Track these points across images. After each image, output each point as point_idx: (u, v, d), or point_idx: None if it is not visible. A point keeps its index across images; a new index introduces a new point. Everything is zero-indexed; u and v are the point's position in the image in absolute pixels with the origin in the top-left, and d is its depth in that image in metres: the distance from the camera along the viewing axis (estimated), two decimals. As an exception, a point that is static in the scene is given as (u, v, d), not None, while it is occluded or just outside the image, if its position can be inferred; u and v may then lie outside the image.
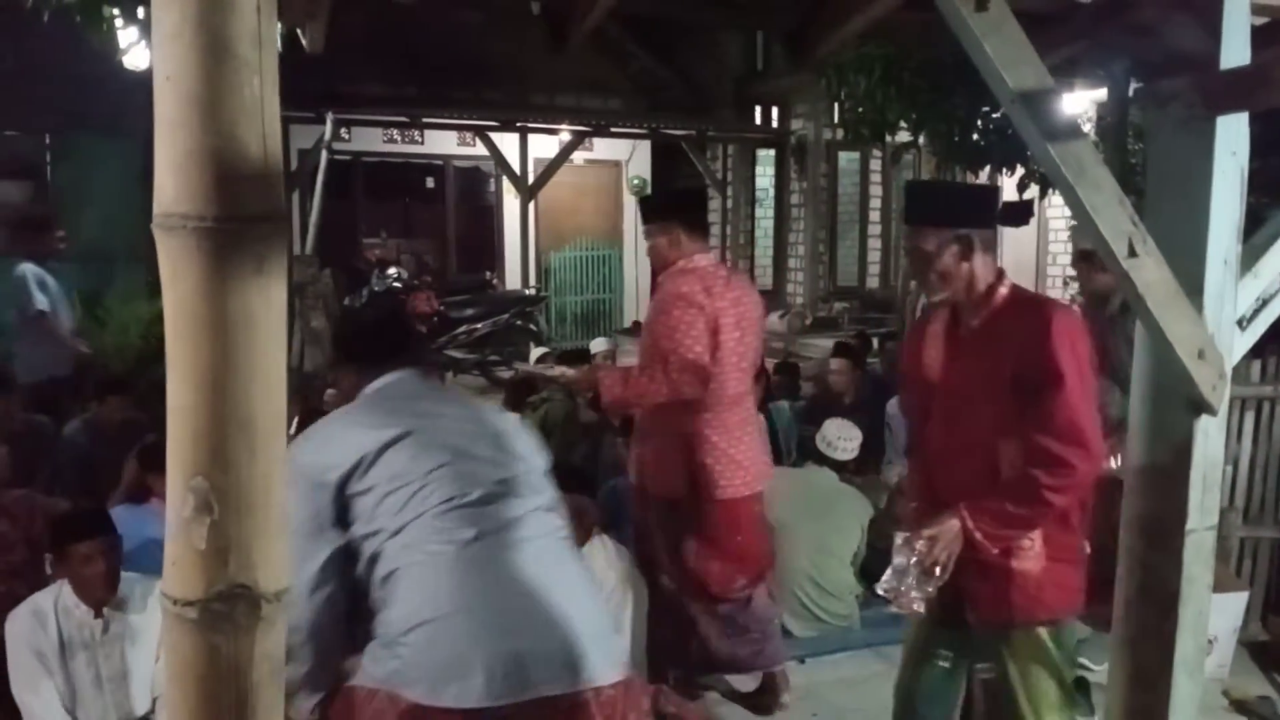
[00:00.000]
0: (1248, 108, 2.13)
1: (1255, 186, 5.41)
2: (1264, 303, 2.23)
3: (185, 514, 1.33)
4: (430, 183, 12.31)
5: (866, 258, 12.28)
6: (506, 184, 11.35)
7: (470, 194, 12.53)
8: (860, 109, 7.98)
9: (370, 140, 11.23)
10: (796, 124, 11.68)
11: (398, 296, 9.18)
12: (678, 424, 3.30)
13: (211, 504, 1.32)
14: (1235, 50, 2.14)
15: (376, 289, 9.48)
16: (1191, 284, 2.09)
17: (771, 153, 12.10)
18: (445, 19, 8.99)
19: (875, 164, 11.94)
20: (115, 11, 4.89)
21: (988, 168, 8.00)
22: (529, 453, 2.18)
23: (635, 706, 1.93)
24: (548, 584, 1.92)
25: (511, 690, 1.78)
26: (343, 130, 9.97)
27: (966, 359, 2.39)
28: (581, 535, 3.18)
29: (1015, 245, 12.95)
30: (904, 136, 8.82)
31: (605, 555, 3.44)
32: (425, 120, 10.28)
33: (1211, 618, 3.70)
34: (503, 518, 1.97)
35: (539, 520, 2.04)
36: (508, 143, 10.60)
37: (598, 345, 7.28)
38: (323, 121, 8.21)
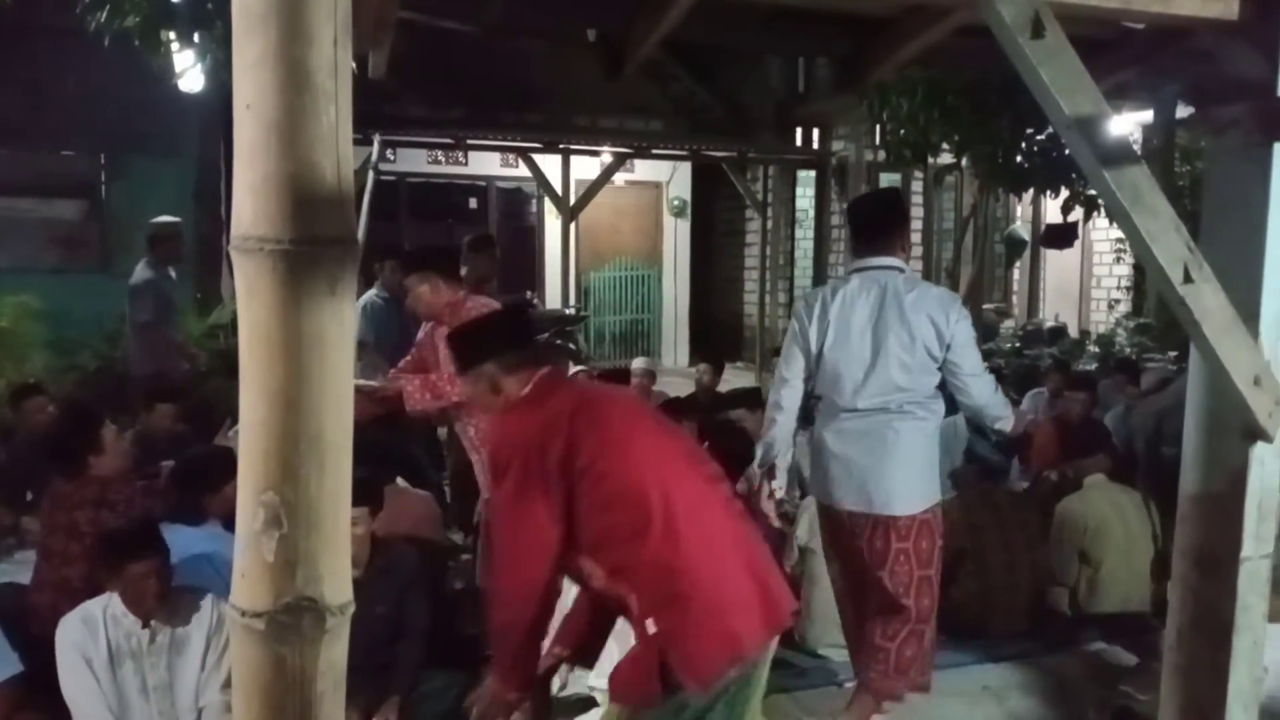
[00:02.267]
0: (1307, 134, 2.12)
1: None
2: (1322, 330, 2.21)
3: (255, 527, 1.37)
4: (473, 203, 12.43)
5: (907, 279, 12.21)
6: (548, 205, 11.44)
7: (512, 214, 12.64)
8: (903, 130, 7.99)
9: (415, 161, 11.37)
10: (838, 145, 11.68)
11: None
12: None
13: (281, 518, 1.36)
14: (1293, 77, 2.14)
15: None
16: (1248, 311, 2.08)
17: (812, 174, 12.11)
18: (493, 44, 9.11)
19: (916, 185, 11.91)
20: (172, 35, 5.04)
21: (1031, 190, 7.95)
22: None
23: None
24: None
25: None
26: (388, 151, 10.11)
27: None
28: None
29: (1059, 269, 12.88)
30: (946, 158, 8.81)
31: None
32: (469, 142, 10.40)
33: (1267, 648, 3.66)
34: None
35: None
36: (550, 164, 10.70)
37: (637, 365, 7.30)
38: (370, 143, 8.34)
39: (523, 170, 10.90)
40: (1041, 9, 1.87)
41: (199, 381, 6.13)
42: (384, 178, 9.73)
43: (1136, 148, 8.27)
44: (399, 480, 4.44)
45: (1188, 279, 1.96)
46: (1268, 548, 2.16)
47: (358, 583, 3.43)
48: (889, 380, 3.25)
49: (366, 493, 3.57)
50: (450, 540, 5.00)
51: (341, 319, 1.37)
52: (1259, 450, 2.12)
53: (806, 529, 4.28)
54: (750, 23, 2.47)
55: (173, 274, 6.11)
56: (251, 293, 1.34)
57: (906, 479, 3.28)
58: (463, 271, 4.78)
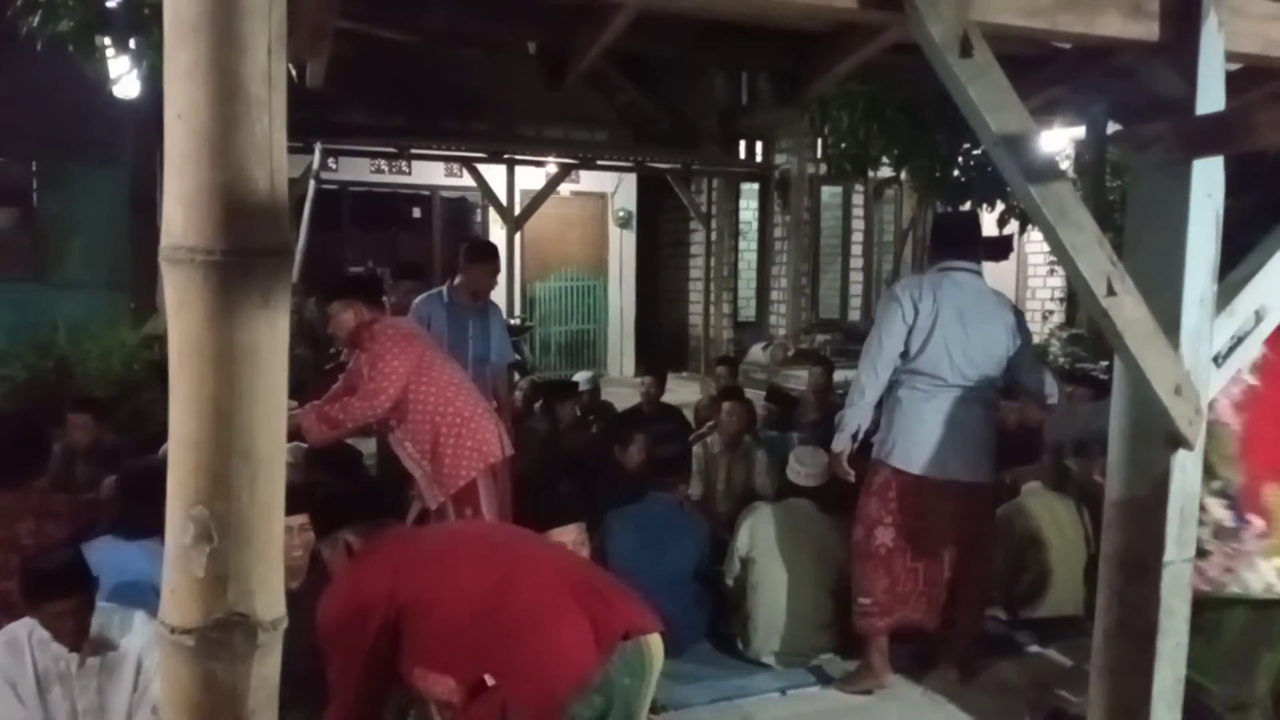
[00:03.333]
0: (1223, 151, 2.20)
1: (1226, 225, 5.52)
2: (1239, 340, 2.29)
3: (185, 542, 1.35)
4: (417, 213, 12.36)
5: (848, 290, 12.40)
6: (493, 214, 11.42)
7: (456, 224, 12.57)
8: (843, 144, 8.11)
9: (358, 170, 11.28)
10: (780, 158, 11.82)
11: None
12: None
13: (211, 532, 1.34)
14: (1211, 96, 2.22)
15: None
16: (1168, 322, 2.15)
17: (755, 186, 12.23)
18: (437, 52, 9.08)
19: (857, 198, 12.08)
20: (107, 41, 4.93)
21: (968, 202, 8.11)
22: None
23: None
24: None
25: None
26: (330, 160, 10.01)
27: None
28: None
29: (995, 280, 13.08)
30: (886, 172, 8.95)
31: None
32: (413, 151, 10.34)
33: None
34: None
35: None
36: (494, 174, 10.68)
37: (581, 378, 7.32)
38: (310, 151, 8.26)
39: (467, 180, 10.86)
40: (969, 28, 1.92)
41: (130, 393, 6.00)
42: (326, 186, 9.65)
43: (1069, 163, 8.50)
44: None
45: (1111, 291, 2.02)
46: (1189, 551, 2.22)
47: (299, 594, 3.41)
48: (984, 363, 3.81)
49: (312, 502, 3.51)
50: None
51: (274, 330, 1.36)
52: (1180, 457, 2.19)
53: (747, 540, 4.30)
54: (690, 36, 2.50)
55: None
56: (182, 304, 1.33)
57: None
58: (458, 280, 4.82)
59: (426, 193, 12.17)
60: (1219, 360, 2.25)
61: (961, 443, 3.81)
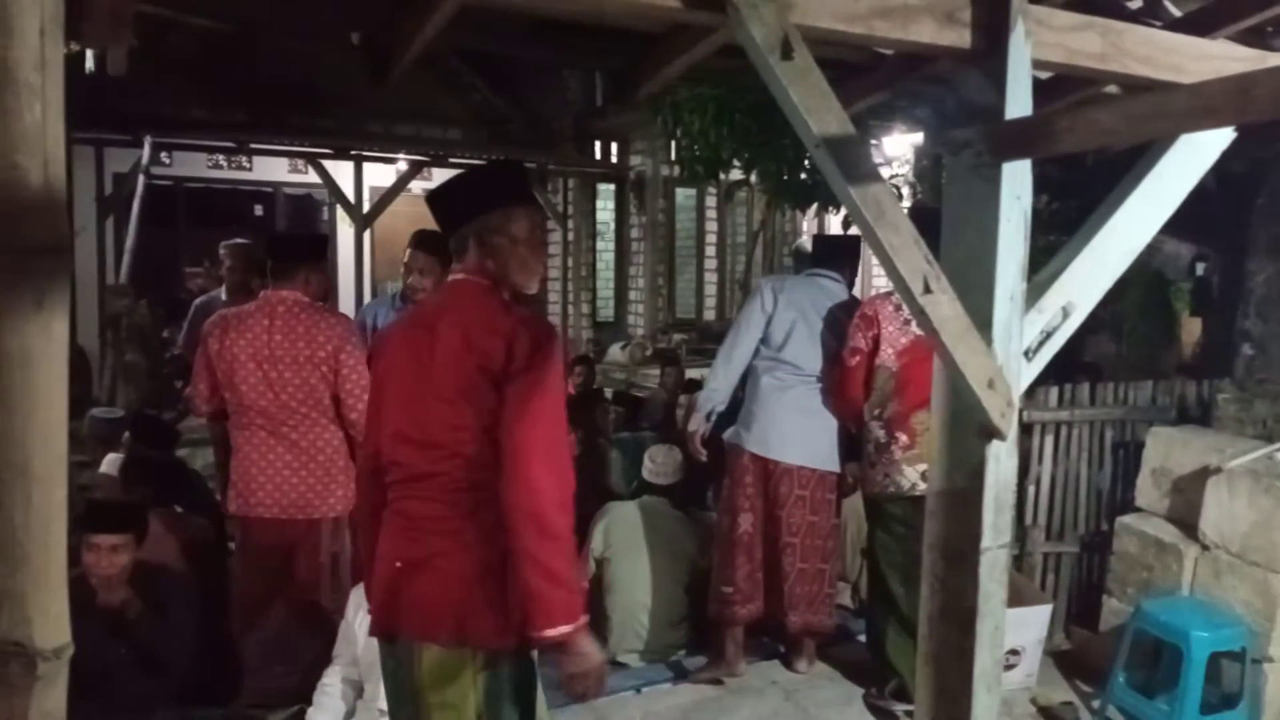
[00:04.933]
0: (1029, 155, 2.31)
1: (1054, 226, 5.87)
2: (1047, 335, 2.41)
3: (-49, 566, 1.24)
4: (259, 210, 11.89)
5: (704, 290, 12.61)
6: (340, 213, 11.08)
7: (302, 222, 12.14)
8: (695, 147, 8.21)
9: (195, 165, 10.76)
10: (635, 160, 11.90)
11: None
12: None
13: (-19, 555, 1.24)
14: (1019, 102, 2.33)
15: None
16: (981, 318, 2.24)
17: (612, 187, 12.27)
18: (280, 45, 8.73)
19: (711, 200, 12.29)
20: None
21: (814, 205, 8.35)
22: None
23: None
24: None
25: None
26: (164, 155, 9.51)
27: None
28: None
29: (842, 279, 13.61)
30: (737, 174, 9.12)
31: None
32: (252, 146, 9.92)
33: (1018, 630, 3.98)
34: None
35: None
36: (342, 171, 10.35)
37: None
38: (141, 145, 7.82)
39: (313, 177, 10.50)
40: (790, 32, 1.96)
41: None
42: (158, 182, 9.15)
43: (909, 167, 8.86)
44: (176, 508, 4.17)
45: (927, 290, 2.09)
46: (1005, 538, 2.33)
47: (120, 616, 3.20)
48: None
49: (130, 520, 3.32)
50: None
51: (50, 335, 1.26)
52: (994, 448, 2.29)
53: (601, 540, 4.31)
54: (521, 33, 2.46)
55: None
56: (-58, 307, 1.22)
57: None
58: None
59: (269, 190, 11.72)
60: (1029, 355, 2.36)
61: (816, 432, 4.00)
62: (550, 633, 1.99)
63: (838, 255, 4.32)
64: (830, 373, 4.00)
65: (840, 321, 4.01)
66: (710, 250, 12.49)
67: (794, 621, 4.08)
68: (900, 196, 8.09)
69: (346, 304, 11.26)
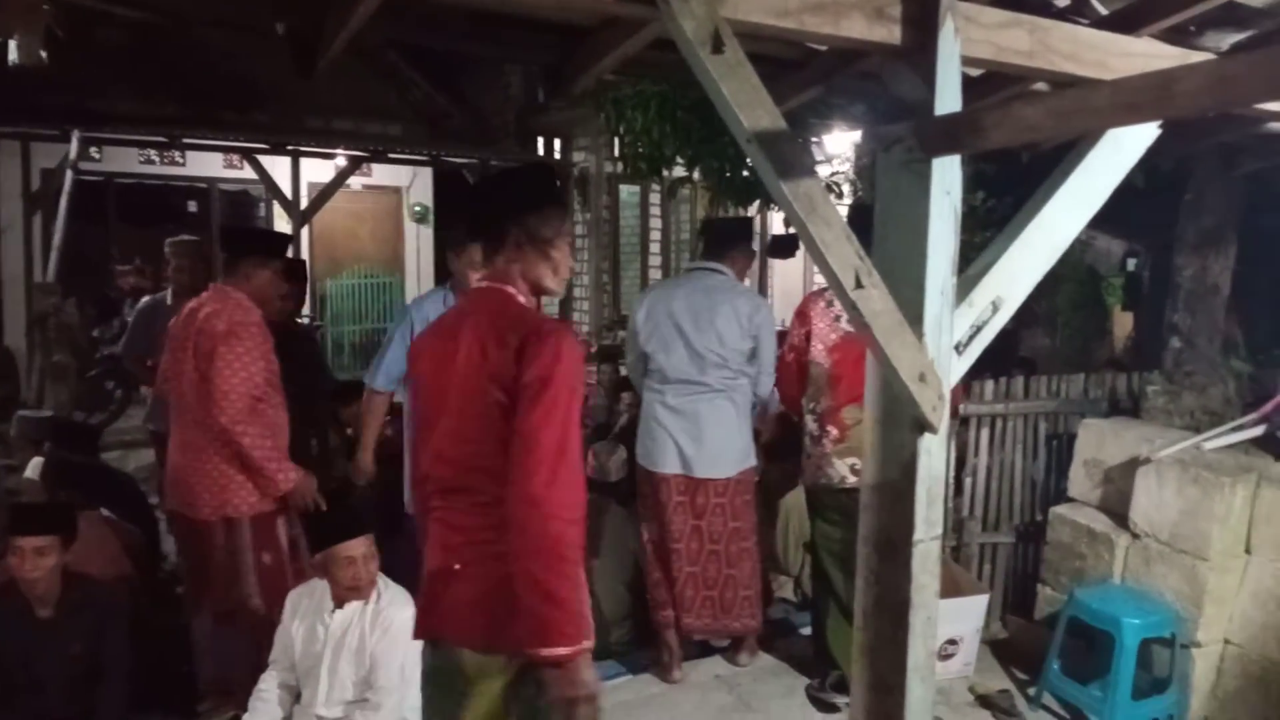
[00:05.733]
0: (957, 151, 2.33)
1: (991, 223, 5.94)
2: (977, 329, 2.43)
3: None
4: (193, 206, 11.64)
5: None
6: (277, 208, 10.89)
7: (238, 218, 11.90)
8: (638, 144, 8.21)
9: (125, 161, 10.50)
10: (579, 156, 11.86)
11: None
12: None
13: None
14: (948, 98, 2.34)
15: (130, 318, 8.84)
16: (913, 313, 2.26)
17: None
18: (214, 37, 8.53)
19: (655, 197, 12.30)
20: None
21: (756, 201, 8.39)
22: None
23: None
24: None
25: None
26: (93, 150, 9.25)
27: None
28: None
29: (783, 276, 13.69)
30: (680, 171, 9.13)
31: None
32: (185, 141, 9.67)
33: (957, 620, 4.03)
34: None
35: None
36: (279, 166, 10.16)
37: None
38: (68, 139, 7.60)
39: (249, 172, 10.28)
40: (721, 25, 1.95)
41: None
42: (87, 178, 8.90)
43: (850, 164, 8.94)
44: (103, 510, 4.07)
45: (859, 284, 2.10)
46: (936, 530, 2.35)
47: (48, 620, 3.12)
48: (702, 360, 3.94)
49: (56, 521, 3.25)
50: (164, 571, 4.64)
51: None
52: (926, 441, 2.31)
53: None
54: (453, 26, 2.43)
55: None
56: None
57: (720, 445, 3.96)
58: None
59: (204, 185, 11.48)
60: (960, 349, 2.38)
61: (700, 439, 3.93)
62: (545, 653, 1.92)
63: (721, 243, 4.20)
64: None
65: (741, 313, 3.94)
66: (655, 247, 12.49)
67: (689, 625, 4.05)
68: (841, 194, 8.15)
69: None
